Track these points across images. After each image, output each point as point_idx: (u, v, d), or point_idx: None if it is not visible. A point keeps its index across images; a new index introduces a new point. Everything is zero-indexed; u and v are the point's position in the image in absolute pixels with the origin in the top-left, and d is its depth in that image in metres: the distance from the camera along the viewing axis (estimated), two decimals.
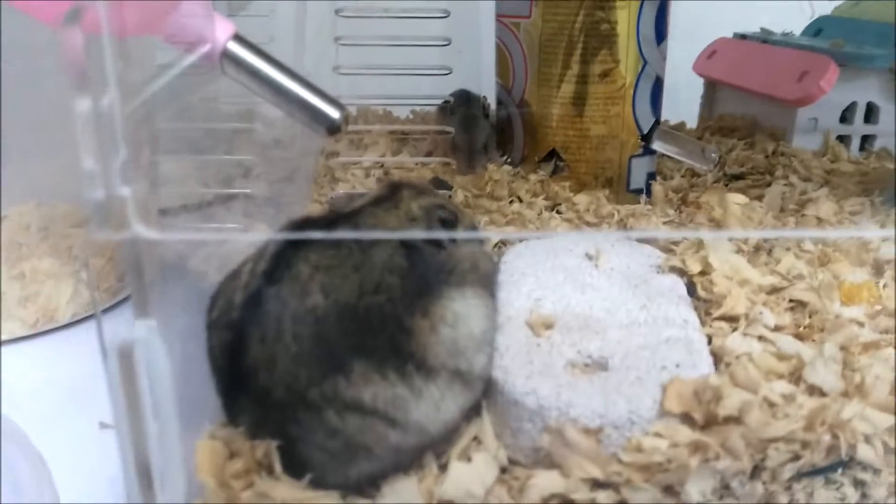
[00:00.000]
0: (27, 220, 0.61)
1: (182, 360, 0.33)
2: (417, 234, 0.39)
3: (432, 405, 0.35)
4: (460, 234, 0.40)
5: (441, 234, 0.39)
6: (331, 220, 0.40)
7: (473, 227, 0.44)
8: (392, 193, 0.41)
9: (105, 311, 0.53)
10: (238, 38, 0.40)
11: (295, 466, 0.34)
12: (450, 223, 0.40)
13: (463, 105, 0.72)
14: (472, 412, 0.38)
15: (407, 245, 0.38)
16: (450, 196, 0.60)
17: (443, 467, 0.37)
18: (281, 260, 0.36)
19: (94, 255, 0.56)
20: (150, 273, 0.29)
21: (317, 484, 0.34)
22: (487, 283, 0.41)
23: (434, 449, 0.37)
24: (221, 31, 0.39)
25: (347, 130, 0.72)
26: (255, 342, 0.34)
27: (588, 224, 0.59)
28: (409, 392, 0.34)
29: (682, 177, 0.69)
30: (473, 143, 0.69)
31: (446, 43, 0.67)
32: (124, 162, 0.27)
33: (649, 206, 0.62)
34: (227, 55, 0.40)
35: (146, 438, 0.31)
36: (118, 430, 0.31)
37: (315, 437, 0.34)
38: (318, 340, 0.34)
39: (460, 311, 0.37)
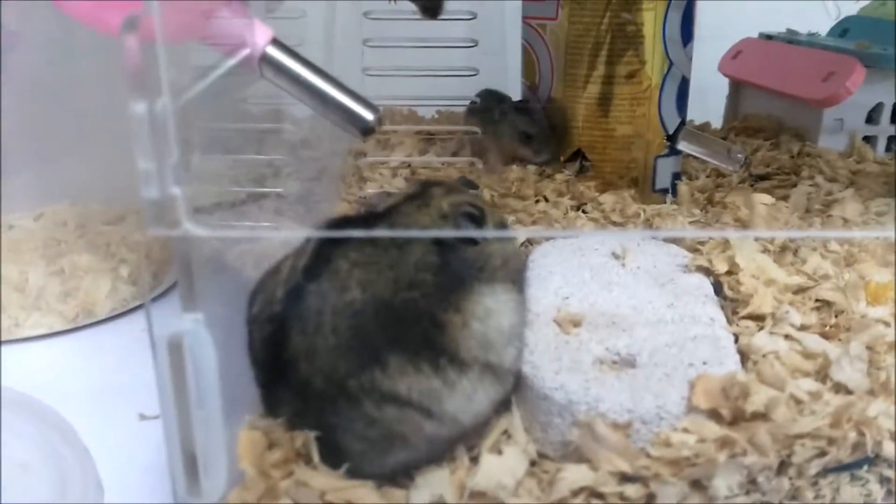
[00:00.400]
0: (63, 218, 0.63)
1: (223, 353, 0.35)
2: (448, 232, 0.39)
3: (465, 397, 0.36)
4: (490, 231, 0.41)
5: (470, 233, 0.40)
6: (366, 218, 0.41)
7: (503, 225, 0.45)
8: (423, 191, 0.42)
9: (141, 305, 0.54)
10: (276, 42, 0.41)
11: (333, 455, 0.36)
12: (477, 219, 0.41)
13: (496, 104, 0.71)
14: (503, 406, 0.39)
15: (439, 242, 0.39)
16: (477, 195, 0.61)
17: (474, 459, 0.38)
18: (321, 256, 0.37)
19: (130, 251, 0.57)
20: (197, 269, 0.31)
21: (353, 474, 0.35)
22: (517, 278, 0.42)
23: (466, 440, 0.38)
24: (260, 36, 0.40)
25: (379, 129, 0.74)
26: (296, 334, 0.36)
27: (614, 223, 0.60)
28: (442, 384, 0.36)
29: (708, 177, 0.69)
30: (507, 145, 0.69)
31: (473, 44, 0.68)
32: (176, 162, 0.28)
33: (675, 206, 0.62)
34: (265, 59, 0.41)
35: (192, 427, 0.32)
36: (164, 420, 0.33)
37: (353, 427, 0.35)
38: (356, 333, 0.35)
39: (491, 305, 0.38)
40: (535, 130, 0.68)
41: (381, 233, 0.38)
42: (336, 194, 0.65)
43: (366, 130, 0.42)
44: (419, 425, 0.35)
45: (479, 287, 0.38)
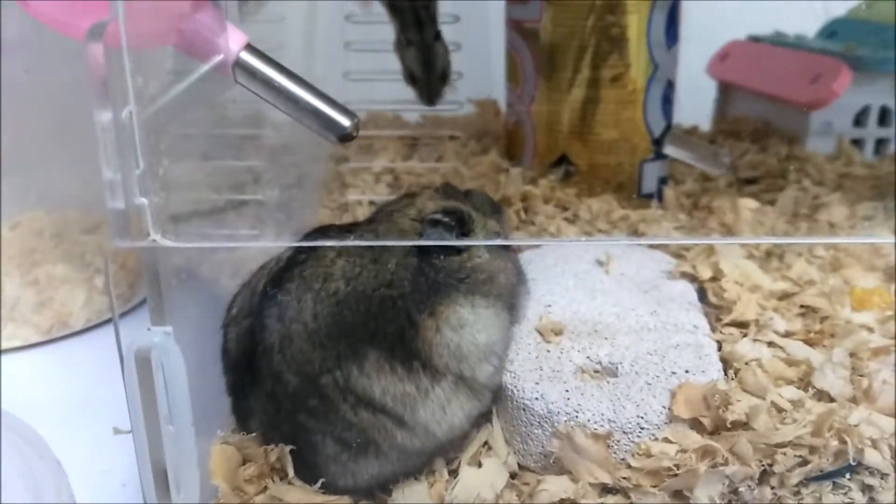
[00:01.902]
0: (40, 227, 0.62)
1: (196, 366, 0.34)
2: (414, 241, 0.38)
3: (439, 407, 0.36)
4: (468, 241, 0.40)
5: (446, 242, 0.38)
6: (353, 224, 0.41)
7: (496, 235, 0.43)
8: (412, 195, 0.42)
9: (119, 316, 0.53)
10: (250, 48, 0.40)
11: (305, 460, 0.35)
12: (452, 227, 0.39)
13: (415, 30, 0.65)
14: (482, 419, 0.39)
15: (419, 250, 0.38)
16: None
17: (453, 472, 0.37)
18: (307, 248, 0.37)
19: (108, 262, 0.57)
20: (166, 280, 0.30)
21: (329, 488, 0.35)
22: (505, 296, 0.40)
23: (441, 455, 0.37)
24: (234, 42, 0.40)
25: (357, 136, 0.73)
26: (273, 322, 0.35)
27: (599, 230, 0.59)
28: (415, 390, 0.35)
29: (695, 181, 0.69)
30: (433, 72, 0.64)
31: (455, 48, 0.68)
32: (142, 173, 0.27)
33: (661, 211, 0.62)
34: (239, 65, 0.40)
35: (162, 442, 0.31)
36: (135, 434, 0.32)
37: (325, 425, 0.35)
38: (337, 322, 0.35)
39: (466, 317, 0.37)
40: (420, 74, 0.63)
41: (351, 243, 0.37)
42: (317, 201, 0.65)
43: (343, 137, 0.42)
44: (392, 433, 0.35)
45: (456, 296, 0.37)
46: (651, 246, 0.54)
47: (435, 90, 0.63)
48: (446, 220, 0.39)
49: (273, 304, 0.35)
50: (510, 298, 0.41)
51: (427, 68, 0.63)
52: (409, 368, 0.35)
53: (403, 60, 0.64)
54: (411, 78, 0.63)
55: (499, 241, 0.40)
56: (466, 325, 0.37)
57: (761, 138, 0.79)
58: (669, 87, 0.65)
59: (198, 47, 0.39)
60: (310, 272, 0.36)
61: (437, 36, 0.63)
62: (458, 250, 0.39)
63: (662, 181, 0.67)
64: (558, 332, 0.42)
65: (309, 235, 0.40)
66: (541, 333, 0.42)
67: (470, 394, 0.37)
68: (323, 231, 0.41)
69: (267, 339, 0.35)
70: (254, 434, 0.36)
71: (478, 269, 0.39)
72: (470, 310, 0.38)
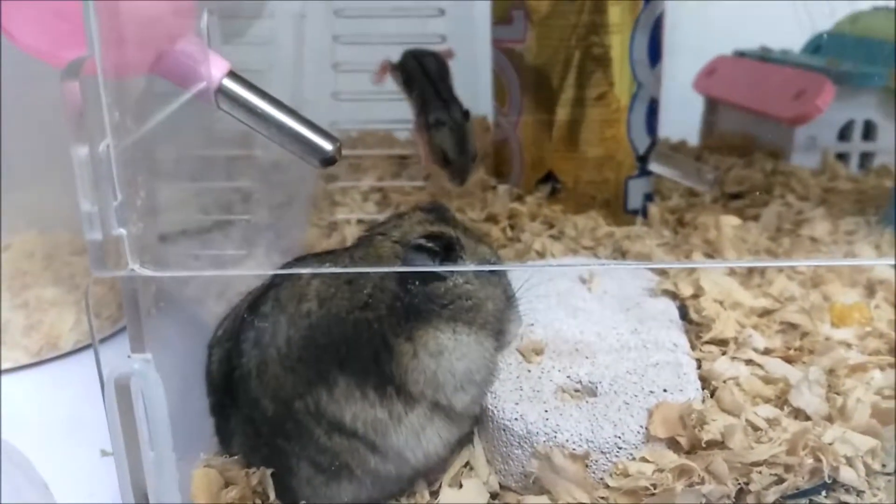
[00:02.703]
0: (31, 249, 0.63)
1: (177, 390, 0.34)
2: (399, 268, 0.38)
3: (412, 434, 0.36)
4: (450, 267, 0.39)
5: (427, 268, 0.37)
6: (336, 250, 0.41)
7: (486, 261, 0.42)
8: (399, 217, 0.41)
9: (106, 338, 0.54)
10: (233, 74, 0.41)
11: (284, 481, 0.35)
12: (433, 254, 0.37)
13: (443, 111, 0.64)
14: (462, 444, 0.39)
15: (399, 276, 0.37)
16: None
17: (434, 494, 0.37)
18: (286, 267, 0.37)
19: (94, 283, 0.57)
20: (145, 308, 0.31)
21: None
22: (492, 323, 0.40)
23: (420, 479, 0.38)
24: (216, 69, 0.40)
25: (346, 155, 0.74)
26: (250, 347, 0.36)
27: (584, 247, 0.60)
28: (388, 416, 0.35)
29: (681, 196, 0.69)
30: (467, 155, 0.63)
31: None
32: (120, 204, 0.28)
33: (645, 228, 0.62)
34: (222, 91, 0.41)
35: (143, 466, 0.32)
36: (116, 458, 0.32)
37: (302, 452, 0.35)
38: (308, 347, 0.35)
39: (445, 343, 0.37)
40: (454, 155, 0.62)
41: (334, 270, 0.37)
42: (306, 219, 0.65)
43: (325, 161, 0.42)
44: (364, 458, 0.35)
45: (437, 321, 0.37)
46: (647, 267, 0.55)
47: (467, 170, 0.62)
48: (430, 245, 0.37)
49: (250, 328, 0.36)
50: (497, 325, 0.40)
51: (461, 149, 0.62)
52: (383, 394, 0.35)
53: (433, 140, 0.62)
54: (444, 159, 0.62)
55: (478, 267, 0.39)
56: (445, 352, 0.37)
57: (747, 153, 0.80)
58: (653, 104, 0.66)
59: (180, 75, 0.40)
60: (285, 294, 0.36)
61: (467, 115, 0.63)
62: (441, 276, 0.38)
63: (648, 197, 0.68)
64: (539, 353, 0.43)
65: (289, 264, 0.40)
66: (522, 354, 0.43)
67: (447, 421, 0.37)
68: (302, 259, 0.41)
69: (245, 364, 0.36)
70: (235, 456, 0.36)
71: (463, 295, 0.38)
72: (450, 336, 0.37)
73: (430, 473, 0.38)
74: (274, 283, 0.37)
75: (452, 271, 0.38)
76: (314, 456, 0.35)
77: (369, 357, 0.35)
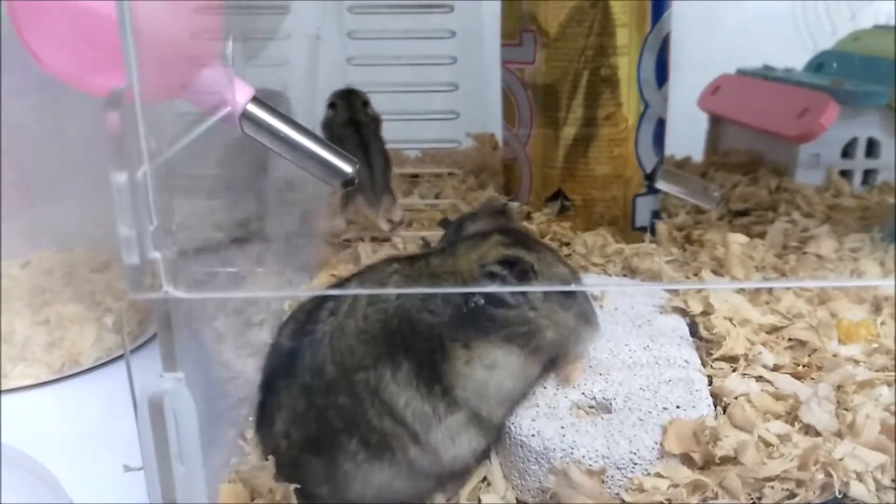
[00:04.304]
0: (50, 266, 0.64)
1: (204, 403, 0.35)
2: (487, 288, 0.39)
3: (448, 436, 0.38)
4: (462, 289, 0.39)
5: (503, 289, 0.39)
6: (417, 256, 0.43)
7: (564, 283, 0.42)
8: (484, 235, 0.42)
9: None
10: (256, 100, 0.42)
11: (326, 454, 0.37)
12: (505, 281, 0.38)
13: (352, 128, 0.66)
14: (484, 455, 0.40)
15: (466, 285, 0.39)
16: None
17: None
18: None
19: (116, 298, 0.58)
20: (177, 329, 0.32)
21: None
22: (546, 350, 0.41)
23: (443, 487, 0.39)
24: (241, 95, 0.42)
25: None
26: (327, 314, 0.39)
27: (594, 265, 0.61)
28: (431, 412, 0.37)
29: (688, 214, 0.71)
30: (374, 172, 0.65)
31: (453, 88, 0.70)
32: (155, 229, 0.29)
33: (654, 245, 0.63)
34: (246, 116, 0.42)
35: (174, 481, 0.33)
36: (147, 474, 0.33)
37: (352, 426, 0.37)
38: (382, 329, 0.38)
39: (499, 360, 0.39)
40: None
41: (375, 291, 0.40)
42: (321, 237, 0.66)
43: (346, 182, 0.44)
44: (407, 446, 0.37)
45: (494, 338, 0.39)
46: (644, 279, 0.56)
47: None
48: (503, 273, 0.38)
49: (330, 299, 0.39)
50: (552, 351, 0.41)
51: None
52: (430, 390, 0.37)
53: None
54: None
55: (525, 288, 0.39)
56: (497, 368, 0.39)
57: (752, 170, 0.81)
58: (660, 124, 0.67)
59: (207, 100, 0.41)
60: (367, 276, 0.41)
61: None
62: (508, 303, 0.38)
63: (655, 215, 0.69)
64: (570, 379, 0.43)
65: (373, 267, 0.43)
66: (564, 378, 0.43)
67: (479, 431, 0.39)
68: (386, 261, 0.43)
69: (319, 329, 0.38)
70: (277, 433, 0.38)
71: (523, 321, 0.39)
72: (505, 354, 0.39)
73: (452, 481, 0.39)
74: (357, 274, 0.42)
75: (519, 298, 0.39)
76: (363, 432, 0.37)
77: (427, 352, 0.38)
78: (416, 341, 0.38)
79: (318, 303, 0.40)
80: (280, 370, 0.40)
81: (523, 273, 0.39)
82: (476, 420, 0.39)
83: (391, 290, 0.39)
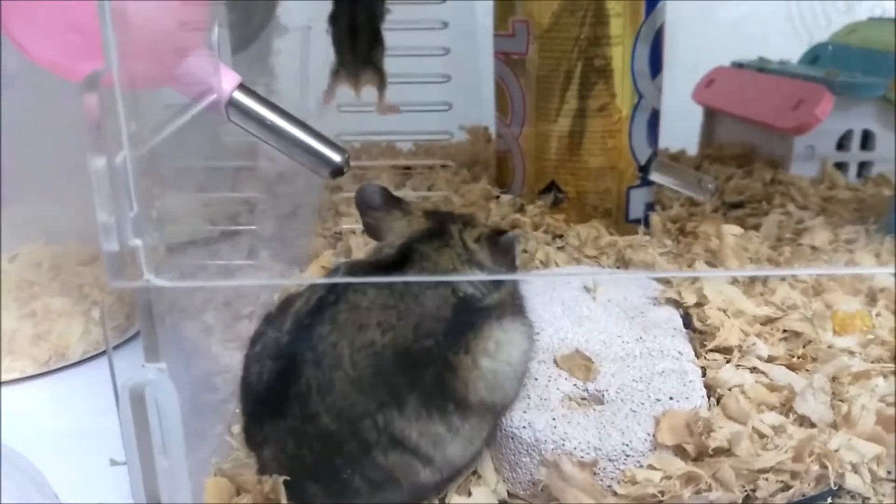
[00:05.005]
0: (38, 259, 0.63)
1: (189, 397, 0.35)
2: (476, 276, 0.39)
3: (466, 442, 0.36)
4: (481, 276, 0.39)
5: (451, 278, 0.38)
6: (381, 264, 0.40)
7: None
8: (438, 228, 0.41)
9: (115, 348, 0.54)
10: (243, 87, 0.42)
11: (324, 491, 0.36)
12: (515, 241, 0.39)
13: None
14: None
15: (455, 294, 0.37)
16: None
17: (443, 501, 0.38)
18: (338, 288, 0.37)
19: (103, 292, 0.57)
20: (160, 318, 0.31)
21: None
22: (523, 303, 0.41)
23: (455, 479, 0.38)
24: (227, 82, 0.41)
25: (351, 166, 0.74)
26: (309, 367, 0.35)
27: (587, 256, 0.60)
28: (447, 430, 0.36)
29: (682, 206, 0.70)
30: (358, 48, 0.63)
31: (446, 80, 0.69)
32: (136, 215, 0.28)
33: (647, 237, 0.63)
34: (232, 104, 0.41)
35: (157, 475, 0.32)
36: (130, 467, 0.33)
37: (354, 467, 0.35)
38: (376, 374, 0.35)
39: (500, 338, 0.37)
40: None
41: (350, 281, 0.38)
42: (312, 230, 0.66)
43: (334, 172, 0.43)
44: (416, 471, 0.35)
45: (488, 325, 0.38)
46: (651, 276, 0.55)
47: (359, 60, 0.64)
48: (508, 239, 0.39)
49: (307, 349, 0.35)
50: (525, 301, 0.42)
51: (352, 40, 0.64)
52: (444, 411, 0.35)
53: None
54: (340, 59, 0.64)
55: (492, 277, 0.39)
56: (501, 349, 0.37)
57: (746, 163, 0.81)
58: (654, 115, 0.67)
59: (192, 88, 0.41)
60: (343, 318, 0.36)
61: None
62: (498, 286, 0.38)
63: (649, 207, 0.69)
64: (590, 370, 0.42)
65: (332, 274, 0.41)
66: (563, 367, 0.43)
67: (491, 417, 0.38)
68: (355, 269, 0.41)
69: (302, 383, 0.35)
70: (266, 461, 0.36)
71: (507, 294, 0.39)
72: (502, 332, 0.38)
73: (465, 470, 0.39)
74: (328, 301, 0.37)
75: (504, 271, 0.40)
76: (368, 471, 0.35)
77: (434, 379, 0.36)
78: (418, 372, 0.35)
79: (292, 350, 0.36)
80: (259, 409, 0.37)
81: (515, 240, 0.40)
82: (492, 410, 0.37)
83: (395, 278, 0.37)
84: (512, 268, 0.40)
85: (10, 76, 0.64)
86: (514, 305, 0.40)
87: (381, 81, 0.65)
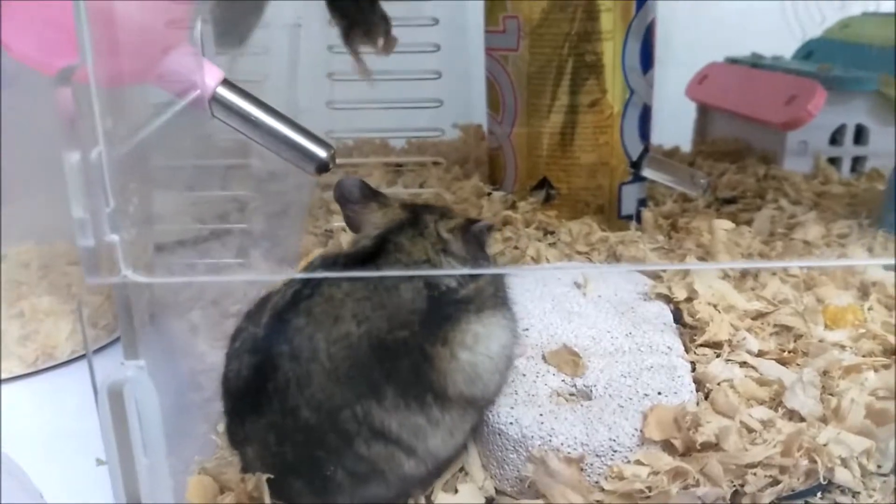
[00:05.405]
0: (27, 259, 0.63)
1: (172, 396, 0.34)
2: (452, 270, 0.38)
3: (447, 433, 0.36)
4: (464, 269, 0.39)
5: (452, 271, 0.38)
6: (356, 255, 0.40)
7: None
8: (413, 218, 0.41)
9: (103, 347, 0.54)
10: (227, 82, 0.41)
11: (309, 487, 0.35)
12: (488, 231, 0.39)
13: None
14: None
15: (430, 285, 0.37)
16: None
17: (429, 498, 0.37)
18: (312, 281, 0.37)
19: (91, 293, 0.57)
20: (139, 315, 0.31)
21: None
22: (506, 295, 0.41)
23: (440, 473, 0.38)
24: (210, 77, 0.41)
25: (343, 163, 0.74)
26: (286, 360, 0.35)
27: (579, 252, 0.60)
28: (427, 421, 0.35)
29: (675, 202, 0.70)
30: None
31: (437, 76, 0.69)
32: (112, 210, 0.28)
33: (639, 233, 0.63)
34: (216, 99, 0.41)
35: (136, 474, 0.32)
36: (110, 466, 0.32)
37: (336, 458, 0.35)
38: (353, 365, 0.35)
39: (478, 331, 0.37)
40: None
41: (334, 275, 0.37)
42: (303, 228, 0.65)
43: (319, 168, 0.43)
44: (400, 463, 0.35)
45: (466, 317, 0.37)
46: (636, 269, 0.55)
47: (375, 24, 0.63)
48: (487, 227, 0.39)
49: (283, 342, 0.35)
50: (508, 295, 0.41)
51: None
52: (423, 402, 0.35)
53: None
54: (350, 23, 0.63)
55: (479, 270, 0.39)
56: (480, 342, 0.37)
57: (740, 158, 0.80)
58: (646, 111, 0.66)
59: (174, 84, 0.40)
60: (319, 310, 0.36)
61: None
62: (474, 277, 0.38)
63: (642, 203, 0.68)
64: (578, 365, 0.42)
65: (309, 268, 0.40)
66: (551, 363, 0.42)
67: (474, 410, 0.37)
68: (327, 263, 0.41)
69: (280, 377, 0.35)
70: (249, 459, 0.36)
71: (488, 283, 0.39)
72: (480, 325, 0.37)
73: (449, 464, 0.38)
74: (303, 296, 0.36)
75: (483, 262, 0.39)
76: (351, 464, 0.35)
77: (411, 370, 0.35)
78: (395, 364, 0.35)
79: (268, 344, 0.36)
80: (239, 406, 0.37)
81: (488, 229, 0.40)
82: (473, 403, 0.37)
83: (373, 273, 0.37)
84: (484, 256, 0.40)
85: (10, 76, 0.63)
86: (495, 297, 0.39)
87: (388, 25, 0.64)
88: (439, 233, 0.40)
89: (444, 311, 0.37)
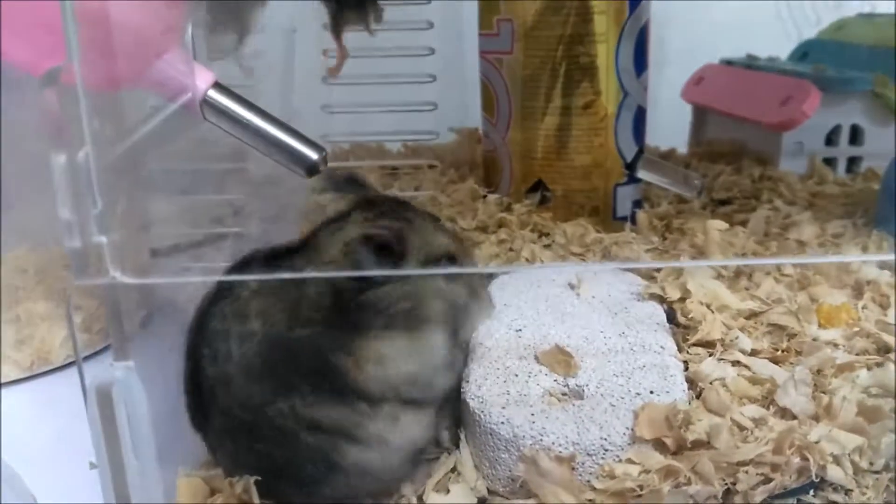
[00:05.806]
0: (23, 264, 0.63)
1: (161, 398, 0.34)
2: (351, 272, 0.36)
3: (389, 420, 0.36)
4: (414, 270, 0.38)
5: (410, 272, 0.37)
6: (286, 250, 0.39)
7: (444, 254, 0.40)
8: (344, 216, 0.39)
9: (97, 352, 0.54)
10: (218, 85, 0.42)
11: (277, 486, 0.35)
12: (389, 254, 0.36)
13: None
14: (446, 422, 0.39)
15: (332, 282, 0.36)
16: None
17: (421, 499, 0.37)
18: (225, 283, 0.37)
19: (86, 297, 0.57)
20: (128, 316, 0.31)
21: None
22: (441, 317, 0.39)
23: (409, 469, 0.38)
24: (202, 80, 0.41)
25: (339, 167, 0.74)
26: (208, 363, 0.35)
27: (573, 254, 0.60)
28: (359, 414, 0.35)
29: (670, 203, 0.70)
30: None
31: (431, 80, 0.69)
32: (100, 212, 0.28)
33: (633, 234, 0.63)
34: (207, 102, 0.41)
35: (126, 476, 0.32)
36: (100, 468, 0.32)
37: (282, 453, 0.35)
38: (264, 363, 0.35)
39: (384, 352, 0.36)
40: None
41: (300, 275, 0.37)
42: (297, 232, 0.65)
43: (310, 170, 0.43)
44: (346, 451, 0.35)
45: (373, 332, 0.36)
46: (622, 267, 0.55)
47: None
48: (359, 256, 0.36)
49: (204, 344, 0.35)
50: (450, 319, 0.40)
51: None
52: (346, 400, 0.35)
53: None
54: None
55: (447, 270, 0.39)
56: (387, 360, 0.36)
57: (736, 160, 0.80)
58: (640, 112, 0.67)
59: (166, 87, 0.40)
60: (230, 310, 0.36)
61: None
62: (376, 283, 0.36)
63: (637, 204, 0.68)
64: (570, 366, 0.42)
65: (236, 268, 0.39)
66: (543, 363, 0.42)
67: (419, 409, 0.37)
68: (247, 262, 0.39)
69: (208, 379, 0.35)
70: (222, 466, 0.36)
71: (403, 297, 0.37)
72: (388, 343, 0.36)
73: (418, 455, 0.38)
74: (221, 296, 0.36)
75: (389, 276, 0.36)
76: (302, 455, 0.35)
77: (318, 374, 0.35)
78: (300, 367, 0.34)
79: (196, 348, 0.36)
80: (195, 412, 0.37)
81: (383, 248, 0.36)
82: (410, 403, 0.37)
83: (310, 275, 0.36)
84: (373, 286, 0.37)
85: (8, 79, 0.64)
86: (416, 314, 0.37)
87: (377, 7, 0.63)
88: (349, 236, 0.38)
89: (349, 316, 0.35)
